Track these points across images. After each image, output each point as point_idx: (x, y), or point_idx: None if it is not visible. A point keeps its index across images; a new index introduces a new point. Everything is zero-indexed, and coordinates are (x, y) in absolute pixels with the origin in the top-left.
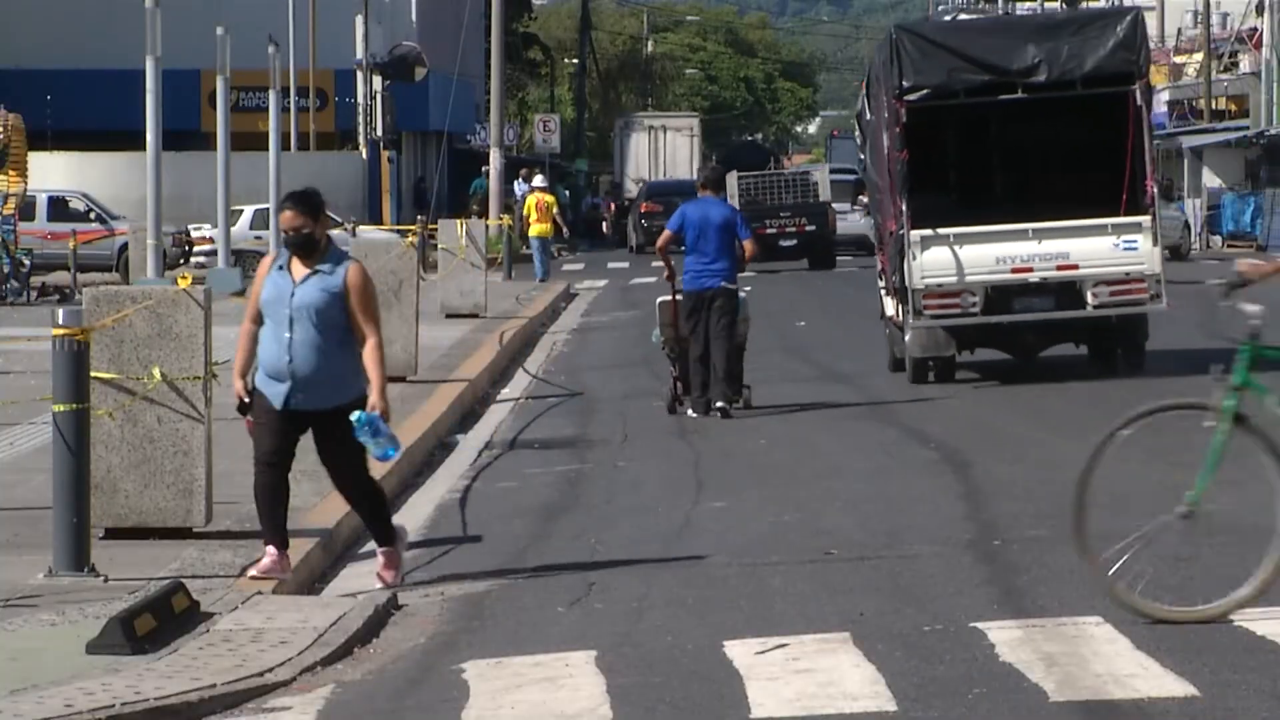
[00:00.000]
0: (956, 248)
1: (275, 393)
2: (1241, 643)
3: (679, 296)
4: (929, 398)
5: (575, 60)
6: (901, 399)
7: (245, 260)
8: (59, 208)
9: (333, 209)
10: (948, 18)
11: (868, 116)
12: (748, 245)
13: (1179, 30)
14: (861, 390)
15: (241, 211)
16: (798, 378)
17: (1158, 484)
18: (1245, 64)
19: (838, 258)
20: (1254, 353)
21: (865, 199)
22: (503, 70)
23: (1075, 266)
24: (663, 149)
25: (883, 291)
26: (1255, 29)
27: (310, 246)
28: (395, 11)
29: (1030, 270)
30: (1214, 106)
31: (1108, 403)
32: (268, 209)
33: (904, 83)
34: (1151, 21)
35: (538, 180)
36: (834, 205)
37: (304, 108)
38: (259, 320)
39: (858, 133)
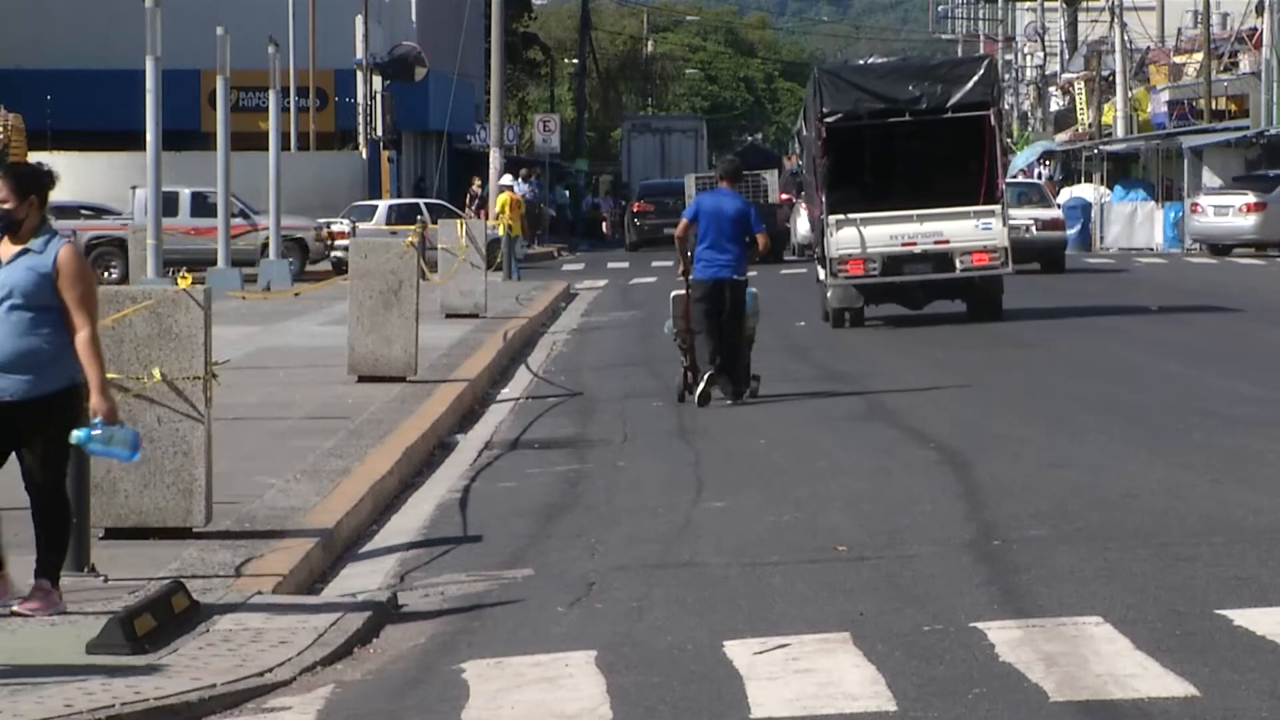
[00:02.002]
0: (862, 227)
1: None
2: (1241, 643)
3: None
4: (930, 398)
5: (575, 60)
6: (902, 399)
7: None
8: (200, 203)
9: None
10: (860, 61)
11: (805, 133)
12: (760, 238)
13: (1179, 30)
14: (862, 390)
15: (376, 207)
16: (798, 378)
17: None
18: (1245, 64)
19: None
20: None
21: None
22: (503, 70)
23: (947, 241)
24: (669, 151)
25: (817, 262)
26: (1255, 29)
27: (9, 225)
28: (395, 11)
29: (915, 244)
30: (1214, 106)
31: (1094, 401)
32: (402, 204)
33: (824, 108)
34: (1151, 21)
35: (505, 179)
36: None
37: (304, 108)
38: None
39: (798, 145)
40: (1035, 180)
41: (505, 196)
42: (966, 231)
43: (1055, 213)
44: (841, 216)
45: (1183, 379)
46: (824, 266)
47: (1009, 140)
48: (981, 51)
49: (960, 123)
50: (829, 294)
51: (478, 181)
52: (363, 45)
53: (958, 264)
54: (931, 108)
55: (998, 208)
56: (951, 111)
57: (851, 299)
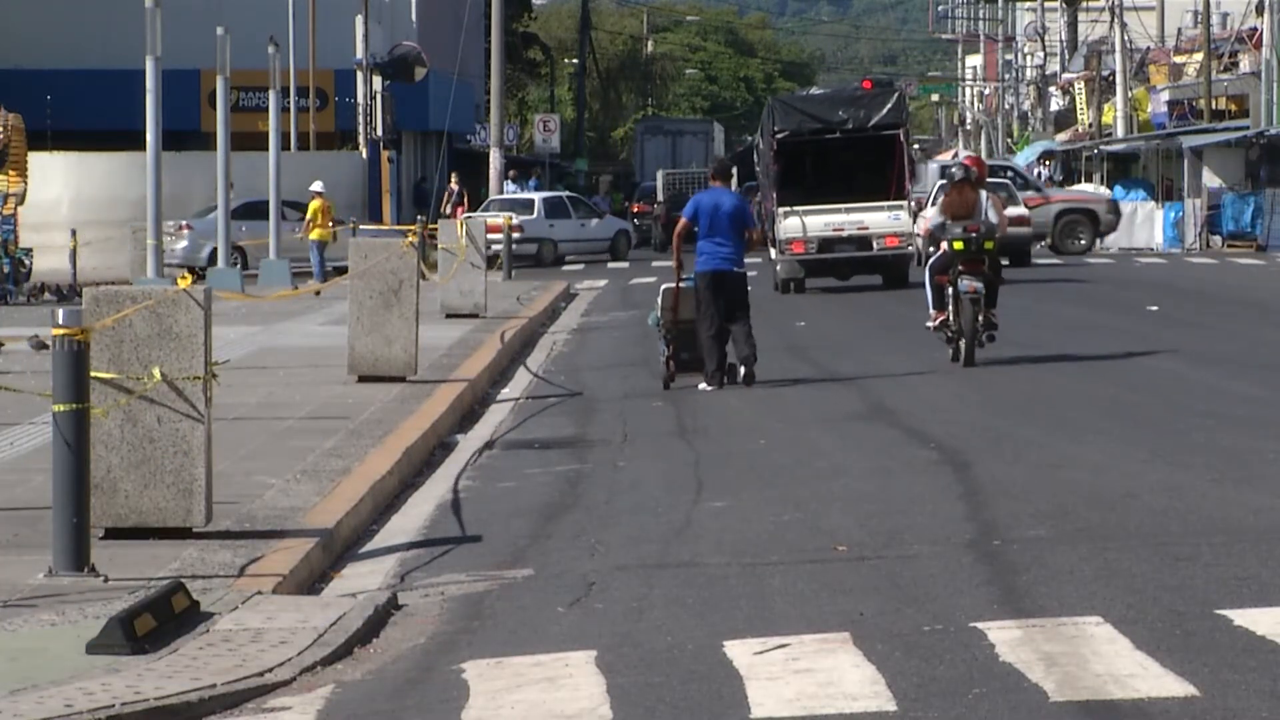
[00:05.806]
0: (803, 217)
1: None
2: (1241, 643)
3: (682, 285)
4: (929, 398)
5: (575, 60)
6: (902, 399)
7: None
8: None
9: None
10: (803, 92)
11: (761, 146)
12: (754, 233)
13: (1179, 30)
14: (862, 390)
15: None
16: (797, 378)
17: None
18: (1245, 64)
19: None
20: None
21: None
22: (503, 70)
23: (867, 228)
24: (680, 153)
25: (770, 244)
26: (1255, 29)
27: None
28: (395, 11)
29: (843, 230)
30: (1214, 106)
31: (1094, 401)
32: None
33: (775, 127)
34: (1151, 21)
35: (317, 186)
36: None
37: (304, 108)
38: None
39: (756, 155)
40: (1004, 180)
41: (317, 203)
42: (881, 221)
43: (1022, 210)
44: (788, 209)
45: (1183, 379)
46: (774, 247)
47: (1011, 137)
48: (901, 84)
49: (877, 139)
50: (778, 268)
51: (455, 178)
52: (363, 45)
53: (875, 245)
54: (856, 127)
55: (905, 203)
56: (871, 131)
57: (795, 271)
